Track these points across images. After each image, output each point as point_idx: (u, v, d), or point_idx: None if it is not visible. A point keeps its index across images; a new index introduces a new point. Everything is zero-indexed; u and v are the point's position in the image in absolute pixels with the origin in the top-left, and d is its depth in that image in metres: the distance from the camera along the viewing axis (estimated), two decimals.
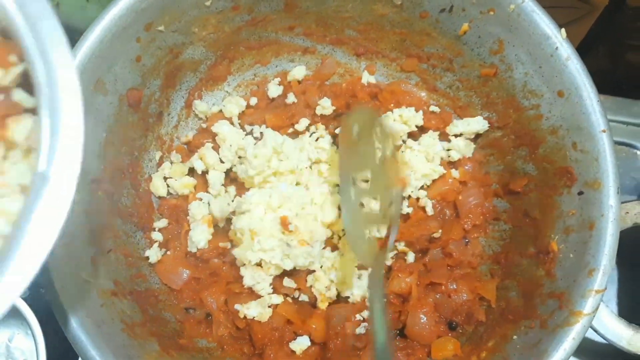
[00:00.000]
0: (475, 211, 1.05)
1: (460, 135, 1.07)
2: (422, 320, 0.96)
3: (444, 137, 1.09)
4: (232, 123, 1.09)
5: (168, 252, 1.01)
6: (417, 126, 1.07)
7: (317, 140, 1.07)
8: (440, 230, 1.04)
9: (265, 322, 0.97)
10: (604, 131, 0.87)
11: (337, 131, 1.07)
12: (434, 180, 1.07)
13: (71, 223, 0.83)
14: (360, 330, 0.98)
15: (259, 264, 0.98)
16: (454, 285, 0.99)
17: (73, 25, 1.30)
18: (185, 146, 1.09)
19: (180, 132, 1.09)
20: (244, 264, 0.98)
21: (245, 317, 0.97)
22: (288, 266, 0.97)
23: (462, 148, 1.07)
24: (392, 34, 1.07)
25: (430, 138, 1.07)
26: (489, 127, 1.05)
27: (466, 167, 1.08)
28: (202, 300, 0.98)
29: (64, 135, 0.53)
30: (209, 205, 1.04)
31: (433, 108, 1.10)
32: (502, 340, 0.89)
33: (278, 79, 1.12)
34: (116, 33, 0.89)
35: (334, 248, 1.03)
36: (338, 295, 1.01)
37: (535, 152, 0.97)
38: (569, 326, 0.81)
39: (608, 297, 1.18)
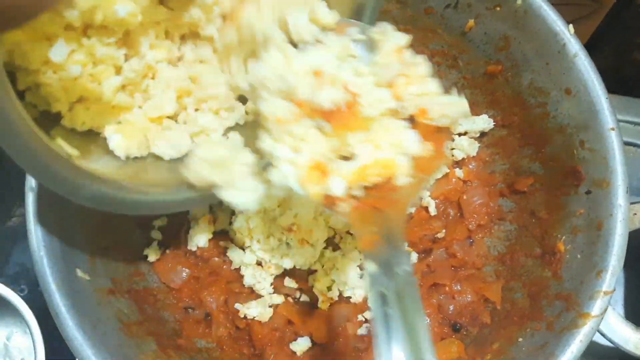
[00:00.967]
0: (480, 211, 1.03)
1: (465, 133, 1.06)
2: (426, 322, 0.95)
3: None
4: None
5: (167, 251, 1.00)
6: None
7: None
8: (443, 230, 1.02)
9: (265, 323, 0.96)
10: (612, 129, 0.85)
11: None
12: (437, 180, 1.05)
13: (67, 219, 0.83)
14: (362, 331, 0.96)
15: (259, 263, 0.97)
16: (458, 287, 0.98)
17: None
18: None
19: None
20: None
21: (245, 317, 0.96)
22: (288, 265, 0.96)
23: (466, 147, 1.05)
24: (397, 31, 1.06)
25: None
26: (494, 125, 1.04)
27: (470, 166, 1.07)
28: (201, 299, 0.97)
29: None
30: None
31: None
32: (508, 342, 0.87)
33: None
34: None
35: (336, 248, 1.01)
36: (340, 295, 0.99)
37: (542, 151, 0.96)
38: (576, 328, 0.79)
39: (614, 300, 1.16)
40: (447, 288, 0.97)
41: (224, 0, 0.75)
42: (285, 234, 0.97)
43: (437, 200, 1.05)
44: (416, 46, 1.05)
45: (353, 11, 0.78)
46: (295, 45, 0.71)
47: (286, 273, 0.99)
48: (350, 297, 0.98)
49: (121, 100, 0.73)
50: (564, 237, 0.89)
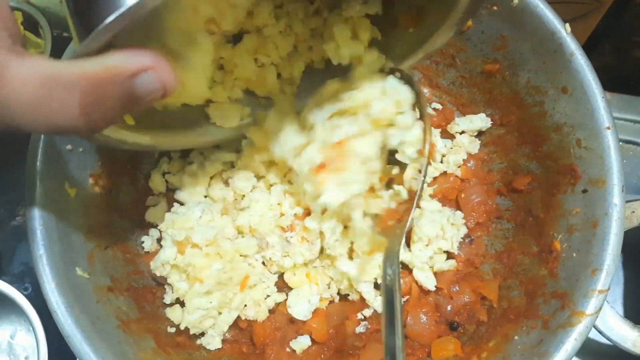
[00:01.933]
0: (478, 209, 1.03)
1: (463, 132, 1.06)
2: (422, 320, 0.95)
3: (445, 134, 1.07)
4: None
5: None
6: None
7: None
8: None
9: (266, 322, 0.96)
10: (608, 128, 0.85)
11: None
12: (434, 178, 1.05)
13: (67, 218, 0.84)
14: (360, 329, 0.97)
15: (263, 262, 0.98)
16: (456, 287, 0.98)
17: None
18: None
19: None
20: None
21: (246, 318, 0.96)
22: (288, 264, 0.96)
23: (466, 145, 1.05)
24: None
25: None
26: (491, 124, 1.04)
27: (469, 165, 1.07)
28: None
29: None
30: None
31: (435, 105, 1.09)
32: (504, 340, 0.88)
33: None
34: None
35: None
36: (338, 293, 0.99)
37: (539, 150, 0.96)
38: (570, 326, 0.79)
39: (613, 298, 1.16)
40: (444, 290, 0.97)
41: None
42: (287, 231, 0.97)
43: (435, 199, 1.05)
44: None
45: None
46: None
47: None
48: (348, 295, 0.99)
49: None
50: (560, 236, 0.89)
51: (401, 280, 0.96)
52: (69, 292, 0.78)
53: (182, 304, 0.93)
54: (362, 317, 0.98)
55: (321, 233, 0.96)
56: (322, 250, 0.98)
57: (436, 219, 0.98)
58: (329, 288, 0.99)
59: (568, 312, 0.81)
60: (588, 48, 0.90)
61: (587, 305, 0.79)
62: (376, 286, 0.97)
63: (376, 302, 0.96)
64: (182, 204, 0.99)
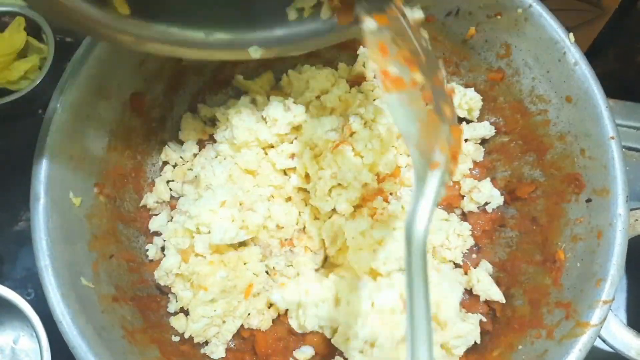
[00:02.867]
0: (484, 217, 1.03)
1: (467, 140, 1.06)
2: None
3: None
4: None
5: None
6: None
7: None
8: None
9: (268, 332, 0.96)
10: (612, 138, 0.85)
11: None
12: None
13: (72, 228, 0.84)
14: None
15: (267, 271, 0.98)
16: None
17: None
18: None
19: None
20: None
21: (249, 327, 0.96)
22: (292, 274, 0.96)
23: (472, 152, 1.05)
24: None
25: None
26: (495, 132, 1.04)
27: (473, 172, 1.07)
28: None
29: None
30: None
31: None
32: (508, 349, 0.88)
33: None
34: None
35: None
36: None
37: (543, 158, 0.96)
38: (575, 337, 0.79)
39: (617, 306, 1.16)
40: None
41: None
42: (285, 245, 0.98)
43: (441, 207, 1.05)
44: None
45: None
46: None
47: None
48: None
49: None
50: (564, 245, 0.89)
51: None
52: (74, 302, 0.78)
53: (187, 313, 0.93)
54: None
55: (323, 241, 0.96)
56: (325, 259, 0.98)
57: (443, 227, 0.98)
58: None
59: (572, 323, 0.81)
60: (591, 55, 0.91)
61: (592, 316, 0.80)
62: None
63: None
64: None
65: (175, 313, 0.95)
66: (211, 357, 0.93)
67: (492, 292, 0.95)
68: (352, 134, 0.96)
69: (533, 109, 0.96)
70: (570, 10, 1.14)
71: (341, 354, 0.92)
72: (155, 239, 1.00)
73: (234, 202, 0.92)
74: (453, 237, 0.98)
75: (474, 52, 1.01)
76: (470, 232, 1.01)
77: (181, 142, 1.06)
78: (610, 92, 0.89)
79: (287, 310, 0.97)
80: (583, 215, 0.88)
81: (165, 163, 1.05)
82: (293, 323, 0.95)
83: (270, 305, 0.97)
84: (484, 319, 0.95)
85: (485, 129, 1.03)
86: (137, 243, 0.99)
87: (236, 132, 0.95)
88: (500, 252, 1.02)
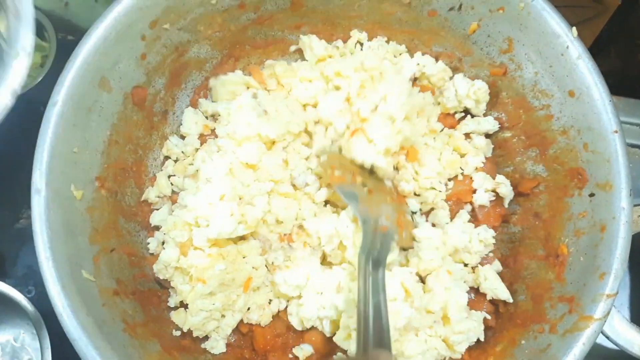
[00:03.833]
0: (494, 212, 1.03)
1: (470, 134, 1.05)
2: None
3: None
4: None
5: None
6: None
7: None
8: None
9: (267, 328, 0.96)
10: (615, 132, 0.85)
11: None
12: (449, 180, 1.04)
13: (73, 221, 0.84)
14: None
15: (266, 266, 0.97)
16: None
17: (82, 25, 1.30)
18: None
19: None
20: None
21: (248, 322, 0.96)
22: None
23: (483, 147, 1.04)
24: (400, 33, 1.06)
25: (445, 135, 1.05)
26: (499, 127, 1.03)
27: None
28: None
29: None
30: None
31: None
32: (511, 345, 0.87)
33: None
34: (121, 30, 0.88)
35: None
36: None
37: (546, 153, 0.96)
38: (578, 331, 0.79)
39: (620, 302, 1.15)
40: None
41: None
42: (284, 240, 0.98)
43: (450, 202, 1.04)
44: (420, 48, 1.07)
45: None
46: None
47: None
48: None
49: None
50: (567, 240, 0.89)
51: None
52: (74, 295, 0.78)
53: (187, 307, 0.93)
54: None
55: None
56: (324, 256, 0.98)
57: (467, 230, 0.98)
58: None
59: (576, 317, 0.80)
60: (593, 52, 0.90)
61: (596, 310, 0.79)
62: None
63: None
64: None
65: (176, 307, 0.94)
66: (212, 352, 0.93)
67: (499, 291, 0.94)
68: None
69: (536, 104, 0.96)
70: (573, 7, 1.14)
71: (342, 351, 0.91)
72: (157, 233, 0.99)
73: (233, 196, 0.91)
74: (476, 242, 0.97)
75: (476, 47, 1.01)
76: (493, 240, 0.99)
77: (183, 137, 1.06)
78: (612, 89, 0.89)
79: (287, 306, 0.96)
80: (586, 209, 0.87)
81: (166, 158, 1.05)
82: (293, 320, 0.94)
83: (270, 300, 0.97)
84: (489, 317, 0.94)
85: (490, 124, 1.03)
86: (139, 237, 0.98)
87: (237, 127, 0.95)
88: (503, 248, 1.01)
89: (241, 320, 0.96)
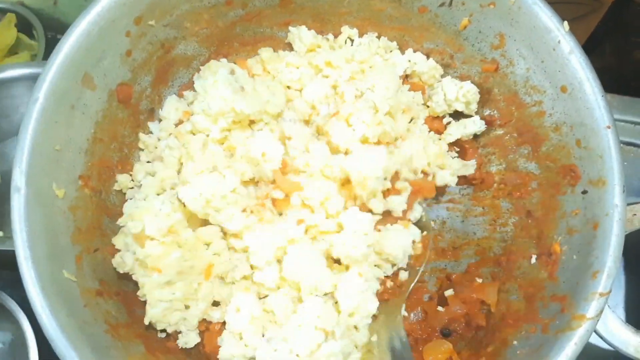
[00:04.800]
0: None
1: (457, 141, 1.04)
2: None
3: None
4: None
5: None
6: None
7: None
8: None
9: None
10: (608, 127, 0.84)
11: None
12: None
13: (55, 220, 0.82)
14: None
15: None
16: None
17: (71, 23, 1.29)
18: None
19: None
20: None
21: (209, 320, 0.93)
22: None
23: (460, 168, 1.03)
24: (391, 30, 1.04)
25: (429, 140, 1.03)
26: (489, 125, 1.02)
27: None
28: None
29: None
30: None
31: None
32: (502, 345, 0.86)
33: None
34: (104, 26, 0.87)
35: None
36: None
37: (538, 150, 0.94)
38: (571, 330, 0.77)
39: (615, 303, 1.13)
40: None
41: None
42: None
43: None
44: (411, 45, 1.05)
45: None
46: None
47: None
48: None
49: None
50: (560, 238, 0.87)
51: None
52: (54, 296, 0.76)
53: None
54: None
55: None
56: None
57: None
58: None
59: (568, 316, 0.79)
60: (588, 50, 0.89)
61: (588, 309, 0.77)
62: None
63: None
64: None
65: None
66: (186, 347, 0.91)
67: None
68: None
69: (528, 100, 0.95)
70: (567, 3, 1.13)
71: None
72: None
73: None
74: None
75: (467, 43, 1.00)
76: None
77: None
78: (607, 86, 0.87)
79: None
80: (579, 207, 0.86)
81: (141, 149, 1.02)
82: None
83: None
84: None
85: (476, 125, 1.01)
86: None
87: (211, 101, 0.91)
88: (495, 247, 1.00)
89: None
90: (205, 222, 0.92)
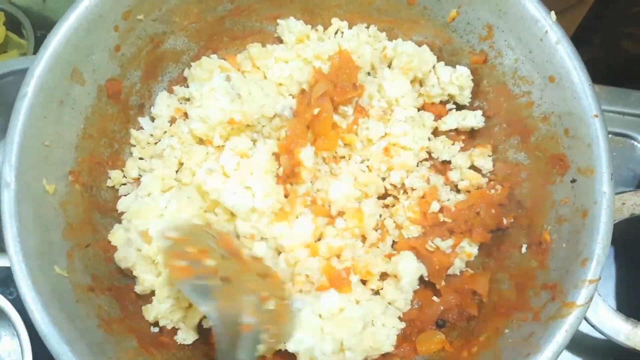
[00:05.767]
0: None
1: (456, 130, 1.04)
2: None
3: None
4: None
5: None
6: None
7: None
8: None
9: None
10: (596, 116, 0.84)
11: None
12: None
13: (46, 215, 0.82)
14: None
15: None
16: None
17: None
18: None
19: None
20: None
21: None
22: None
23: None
24: (380, 22, 1.05)
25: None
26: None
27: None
28: None
29: None
30: None
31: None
32: (494, 334, 0.86)
33: None
34: (92, 21, 0.86)
35: None
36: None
37: (527, 141, 0.95)
38: (561, 318, 0.77)
39: (606, 292, 1.14)
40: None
41: None
42: None
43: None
44: (400, 38, 1.05)
45: None
46: None
47: None
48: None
49: None
50: (550, 227, 0.88)
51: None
52: (46, 291, 0.77)
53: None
54: None
55: None
56: None
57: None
58: None
59: (558, 304, 0.79)
60: (576, 41, 0.89)
61: (578, 296, 0.78)
62: None
63: None
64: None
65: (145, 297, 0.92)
66: (185, 343, 0.91)
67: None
68: None
69: (517, 91, 0.95)
70: None
71: None
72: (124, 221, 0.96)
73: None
74: None
75: (456, 35, 1.00)
76: None
77: (154, 119, 1.03)
78: (596, 78, 0.88)
79: None
80: (568, 195, 0.86)
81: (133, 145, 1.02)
82: None
83: None
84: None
85: (476, 120, 1.01)
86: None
87: (210, 112, 0.92)
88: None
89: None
90: None
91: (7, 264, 0.77)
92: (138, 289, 0.91)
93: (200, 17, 1.00)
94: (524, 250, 0.92)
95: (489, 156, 1.00)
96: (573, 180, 0.86)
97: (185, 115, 1.01)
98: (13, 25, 1.36)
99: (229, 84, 0.95)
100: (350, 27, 1.06)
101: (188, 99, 1.03)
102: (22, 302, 0.96)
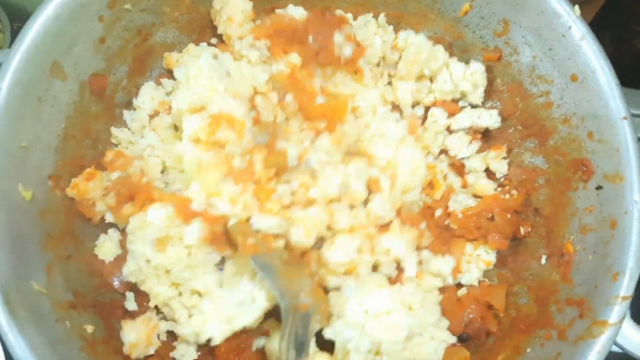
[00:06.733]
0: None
1: (470, 128, 0.97)
2: None
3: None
4: None
5: None
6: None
7: None
8: None
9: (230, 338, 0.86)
10: (625, 118, 0.79)
11: None
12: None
13: (22, 225, 0.74)
14: None
15: None
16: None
17: None
18: None
19: None
20: None
21: None
22: None
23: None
24: (386, 16, 0.98)
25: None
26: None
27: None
28: None
29: None
30: None
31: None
32: (514, 353, 0.80)
33: None
34: (74, 10, 0.80)
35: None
36: None
37: (546, 144, 0.89)
38: (592, 338, 0.72)
39: None
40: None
41: None
42: None
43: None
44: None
45: None
46: None
47: None
48: None
49: None
50: (572, 237, 0.82)
51: None
52: (22, 311, 0.70)
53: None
54: None
55: None
56: None
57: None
58: None
59: (588, 322, 0.73)
60: None
61: (610, 314, 0.72)
62: None
63: None
64: None
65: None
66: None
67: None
68: None
69: (534, 91, 0.89)
70: None
71: None
72: (110, 231, 0.88)
73: None
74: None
75: (468, 31, 0.94)
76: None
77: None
78: None
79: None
80: (593, 203, 0.81)
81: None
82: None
83: None
84: None
85: (491, 119, 0.94)
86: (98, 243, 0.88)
87: (197, 88, 0.84)
88: None
89: None
90: None
91: None
92: (152, 304, 0.82)
93: (192, 8, 0.93)
94: (543, 261, 0.86)
95: (504, 158, 0.93)
96: (598, 187, 0.80)
97: (170, 110, 0.92)
98: None
99: (217, 62, 0.87)
100: (355, 19, 0.98)
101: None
102: None
